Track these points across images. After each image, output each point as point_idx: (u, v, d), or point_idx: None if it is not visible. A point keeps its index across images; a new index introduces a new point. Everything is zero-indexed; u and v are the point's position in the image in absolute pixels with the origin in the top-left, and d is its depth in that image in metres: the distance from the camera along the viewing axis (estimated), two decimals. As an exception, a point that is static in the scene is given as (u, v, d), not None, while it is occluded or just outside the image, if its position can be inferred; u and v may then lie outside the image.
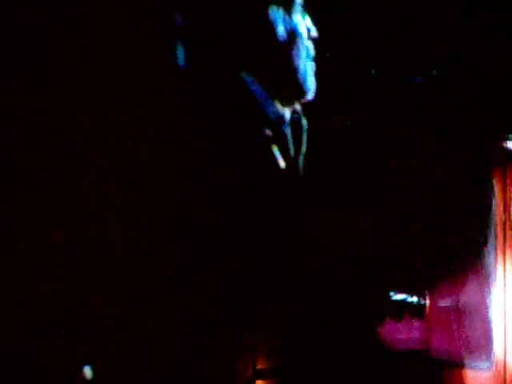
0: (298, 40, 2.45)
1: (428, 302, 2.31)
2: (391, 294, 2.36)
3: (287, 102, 2.49)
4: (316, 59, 2.50)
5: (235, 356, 2.41)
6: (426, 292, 2.38)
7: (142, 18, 2.44)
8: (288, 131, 2.47)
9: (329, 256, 2.43)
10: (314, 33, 2.49)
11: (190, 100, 2.46)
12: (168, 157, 2.46)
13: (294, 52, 2.45)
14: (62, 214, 2.57)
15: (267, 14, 2.40)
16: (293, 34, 2.44)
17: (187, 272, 2.43)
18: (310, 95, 2.51)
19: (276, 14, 2.41)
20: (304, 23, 2.46)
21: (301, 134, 2.52)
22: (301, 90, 2.49)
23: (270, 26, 2.41)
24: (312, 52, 2.49)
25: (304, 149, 2.52)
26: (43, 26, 2.40)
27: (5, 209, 2.51)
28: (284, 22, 2.42)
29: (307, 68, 2.48)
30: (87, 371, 2.47)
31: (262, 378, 2.39)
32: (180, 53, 2.45)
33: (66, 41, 2.42)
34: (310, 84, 2.49)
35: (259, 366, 2.39)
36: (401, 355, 2.38)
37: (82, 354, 2.61)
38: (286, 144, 2.46)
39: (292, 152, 2.49)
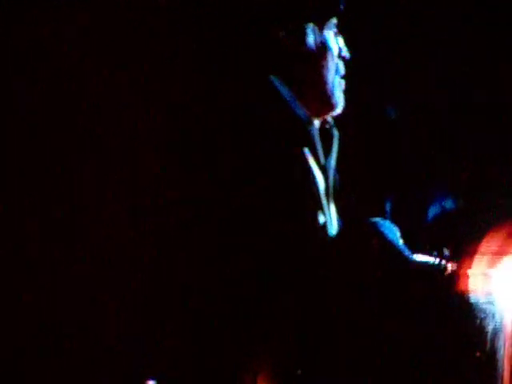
0: (328, 54, 2.48)
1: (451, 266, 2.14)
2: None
3: (315, 113, 2.48)
4: (346, 78, 2.52)
5: (243, 363, 2.27)
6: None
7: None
8: (316, 133, 2.44)
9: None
10: (346, 53, 2.53)
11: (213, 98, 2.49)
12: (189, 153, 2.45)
13: (322, 64, 2.48)
14: (65, 215, 2.56)
15: (297, 26, 2.47)
16: (323, 47, 2.48)
17: (194, 276, 2.35)
18: (338, 110, 2.51)
19: (307, 26, 2.47)
20: (335, 41, 2.51)
21: (331, 140, 2.49)
22: (328, 103, 2.49)
23: (300, 36, 2.46)
24: (342, 70, 2.51)
25: (334, 156, 2.48)
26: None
27: (6, 209, 2.52)
28: (314, 34, 2.48)
29: (336, 83, 2.49)
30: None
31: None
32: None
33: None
34: (338, 99, 2.49)
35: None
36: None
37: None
38: (315, 146, 2.43)
39: (322, 156, 2.45)
